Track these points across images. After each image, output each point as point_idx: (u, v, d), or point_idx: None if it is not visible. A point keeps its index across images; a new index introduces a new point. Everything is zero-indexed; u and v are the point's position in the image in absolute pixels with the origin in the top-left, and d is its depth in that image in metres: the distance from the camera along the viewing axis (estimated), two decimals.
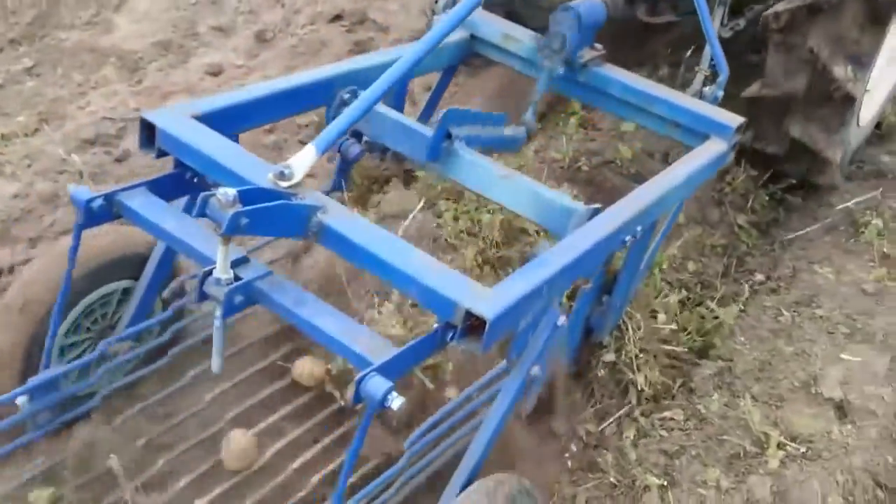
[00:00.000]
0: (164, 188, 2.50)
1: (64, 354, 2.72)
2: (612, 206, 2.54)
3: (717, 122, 2.96)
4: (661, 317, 3.43)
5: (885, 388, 3.22)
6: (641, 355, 3.29)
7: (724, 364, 3.42)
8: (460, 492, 2.25)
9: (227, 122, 2.56)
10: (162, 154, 2.47)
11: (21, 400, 2.50)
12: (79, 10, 5.21)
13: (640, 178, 3.78)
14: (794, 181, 4.26)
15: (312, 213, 2.18)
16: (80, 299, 2.69)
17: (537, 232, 3.54)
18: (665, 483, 2.94)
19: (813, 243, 4.01)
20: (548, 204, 2.59)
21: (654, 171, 3.86)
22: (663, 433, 3.17)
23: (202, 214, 1.99)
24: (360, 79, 2.83)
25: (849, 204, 3.99)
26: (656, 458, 3.06)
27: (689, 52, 4.09)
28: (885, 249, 3.73)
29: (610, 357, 3.28)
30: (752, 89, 3.90)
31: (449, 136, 2.73)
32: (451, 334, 2.08)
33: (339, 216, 2.23)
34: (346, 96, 2.83)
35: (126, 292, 2.81)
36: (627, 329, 3.27)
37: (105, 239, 2.69)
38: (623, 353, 3.29)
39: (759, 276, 3.88)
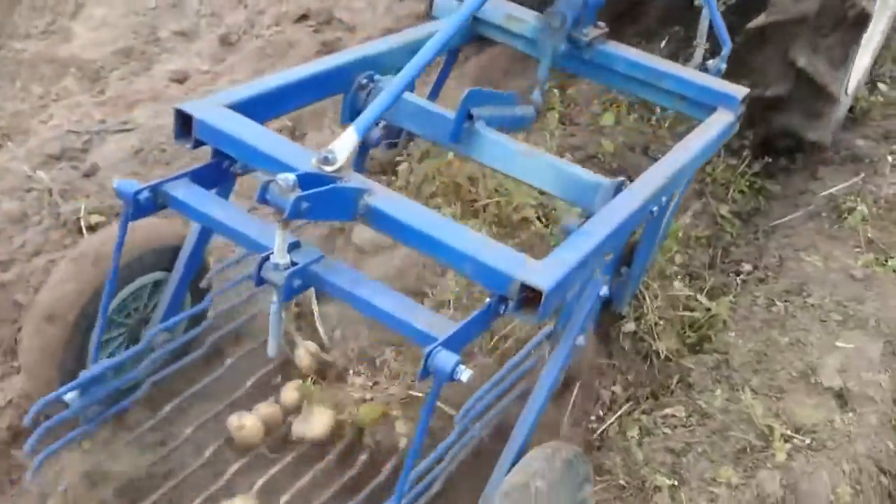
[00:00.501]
0: (204, 178, 2.52)
1: (101, 350, 2.70)
2: (637, 180, 2.60)
3: (724, 93, 3.01)
4: (677, 283, 3.57)
5: (881, 375, 3.25)
6: (661, 322, 3.42)
7: (720, 357, 3.42)
8: (515, 460, 2.34)
9: (258, 110, 2.57)
10: (198, 144, 2.48)
11: (70, 396, 2.49)
12: (34, 19, 5.03)
13: (622, 172, 3.79)
14: (774, 158, 4.31)
15: (360, 196, 2.22)
16: (116, 294, 2.68)
17: (538, 218, 3.50)
18: (675, 483, 2.92)
19: (796, 231, 4.02)
20: (572, 179, 2.65)
21: (637, 164, 3.91)
22: (667, 431, 3.15)
23: (262, 201, 2.02)
24: (377, 63, 2.91)
25: (832, 190, 4.00)
26: (663, 456, 3.04)
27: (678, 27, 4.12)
28: (869, 234, 3.75)
29: (630, 327, 3.37)
30: (759, 19, 3.89)
31: (470, 116, 2.76)
32: (503, 307, 2.14)
33: (386, 198, 2.27)
34: (364, 81, 2.87)
35: (157, 285, 2.82)
36: (645, 299, 3.35)
37: (136, 233, 2.61)
38: (643, 321, 3.40)
39: (747, 267, 3.88)
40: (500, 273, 2.09)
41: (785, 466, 2.90)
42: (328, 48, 4.99)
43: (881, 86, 4.81)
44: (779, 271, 3.79)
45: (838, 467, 2.93)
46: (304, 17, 5.20)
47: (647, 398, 3.37)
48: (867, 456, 3.01)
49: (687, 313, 3.52)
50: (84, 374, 2.53)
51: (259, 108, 2.59)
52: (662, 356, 3.37)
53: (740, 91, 3.01)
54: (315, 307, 3.12)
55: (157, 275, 2.81)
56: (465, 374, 1.96)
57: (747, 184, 4.28)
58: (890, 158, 4.11)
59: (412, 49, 2.75)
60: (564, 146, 4.05)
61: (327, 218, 2.36)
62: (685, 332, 3.51)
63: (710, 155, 3.00)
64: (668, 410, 3.26)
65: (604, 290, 2.59)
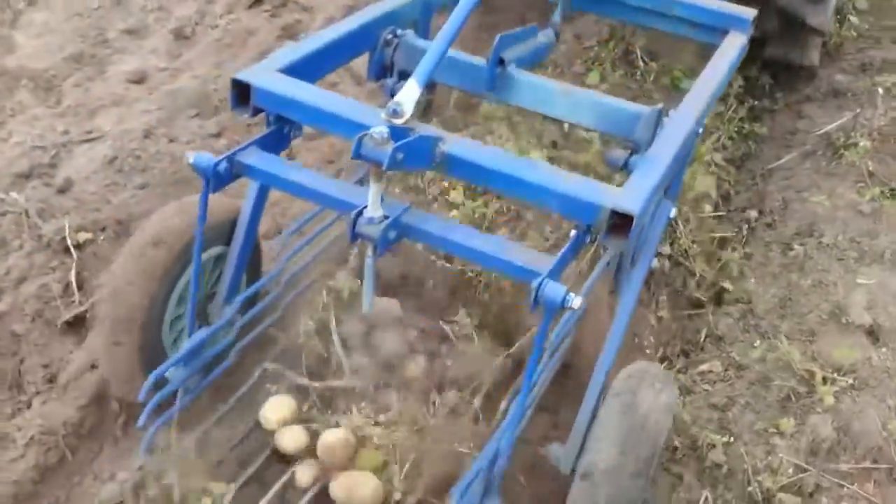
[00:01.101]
0: (269, 145, 2.55)
1: (173, 327, 2.80)
2: (680, 107, 2.65)
3: (735, 15, 3.10)
4: (707, 207, 3.71)
5: None
6: (694, 245, 3.58)
7: (744, 307, 3.40)
8: (604, 380, 2.50)
9: (304, 73, 2.57)
10: (257, 112, 2.50)
11: (171, 372, 2.56)
12: None
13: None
14: (758, 98, 4.30)
15: (435, 145, 2.25)
16: (185, 270, 2.73)
17: None
18: (728, 438, 2.89)
19: (794, 172, 4.01)
20: (612, 111, 2.69)
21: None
22: (706, 387, 3.13)
23: (357, 156, 2.08)
24: (398, 18, 2.97)
25: (828, 128, 3.99)
26: (708, 413, 3.01)
27: None
28: (870, 168, 3.75)
29: (666, 250, 3.47)
30: None
31: (502, 62, 2.77)
32: (588, 237, 2.26)
33: (459, 144, 2.31)
34: (389, 37, 2.91)
35: (216, 260, 2.88)
36: (678, 223, 3.42)
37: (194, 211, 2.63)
38: (676, 245, 3.54)
39: (753, 213, 3.86)
40: (589, 203, 2.15)
41: (834, 409, 2.89)
42: (288, 33, 4.80)
43: (852, 18, 4.82)
44: (785, 214, 3.78)
45: (884, 403, 2.93)
46: (258, 2, 4.99)
47: (679, 356, 3.34)
48: None
49: (717, 234, 3.71)
50: (184, 347, 2.61)
51: (306, 70, 2.59)
52: (697, 277, 3.52)
53: (750, 12, 3.10)
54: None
55: (217, 249, 2.85)
56: (576, 300, 2.02)
57: (735, 129, 4.26)
58: (880, 90, 4.11)
59: (427, 2, 3.07)
60: None
61: (412, 167, 2.32)
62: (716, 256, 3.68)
63: (730, 77, 3.07)
64: (703, 367, 3.23)
65: (673, 212, 2.71)
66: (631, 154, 2.54)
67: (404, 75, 2.85)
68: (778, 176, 4.01)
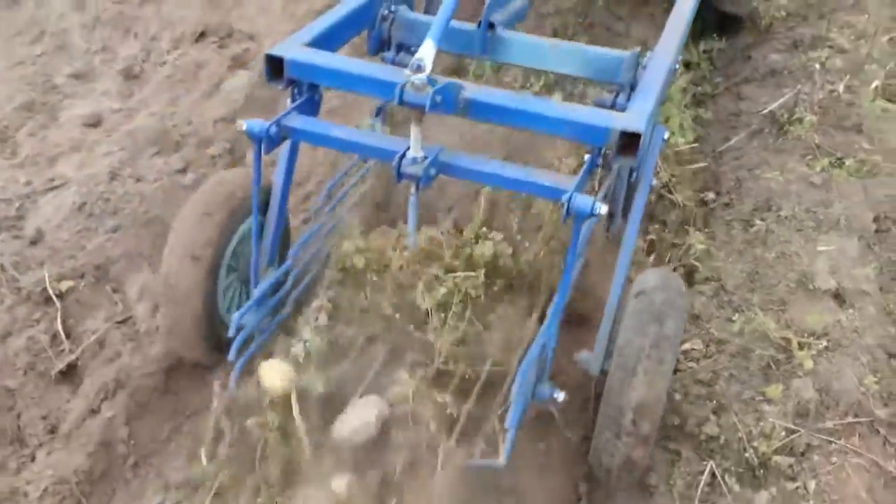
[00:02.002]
0: (303, 112, 2.82)
1: (224, 295, 3.10)
2: (656, 48, 2.95)
3: None
4: (679, 139, 4.11)
5: (866, 268, 3.45)
6: (674, 178, 3.98)
7: (716, 285, 3.55)
8: (621, 287, 2.84)
9: (322, 47, 2.83)
10: (290, 83, 2.75)
11: (245, 318, 2.87)
12: None
13: None
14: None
15: (459, 92, 2.52)
16: (232, 236, 3.05)
17: None
18: (716, 410, 3.03)
19: (744, 151, 4.19)
20: (596, 58, 3.05)
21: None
22: (692, 365, 3.26)
23: (401, 102, 2.39)
24: None
25: (772, 107, 4.18)
26: (697, 389, 3.14)
27: None
28: (816, 141, 3.95)
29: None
30: None
31: (492, 25, 3.08)
32: (600, 159, 2.63)
33: (478, 90, 2.60)
34: (386, 13, 3.24)
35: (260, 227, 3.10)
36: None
37: (235, 183, 3.08)
38: (658, 178, 3.89)
39: (710, 195, 4.02)
40: (599, 128, 2.46)
41: (813, 371, 3.05)
42: (238, 62, 4.85)
43: None
44: (741, 193, 3.94)
45: (858, 361, 3.10)
46: (203, 36, 5.02)
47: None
48: (877, 345, 3.20)
49: (694, 165, 4.11)
50: (256, 293, 2.92)
51: (323, 45, 2.85)
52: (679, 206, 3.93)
53: None
54: None
55: (260, 217, 3.06)
56: (602, 208, 2.33)
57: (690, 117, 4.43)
58: (817, 66, 4.32)
59: None
60: None
61: (444, 111, 2.52)
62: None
63: (691, 20, 3.32)
64: (685, 346, 3.37)
65: (667, 135, 3.02)
66: (616, 95, 2.95)
67: (401, 48, 3.28)
68: (729, 157, 4.18)
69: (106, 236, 3.73)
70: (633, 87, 2.87)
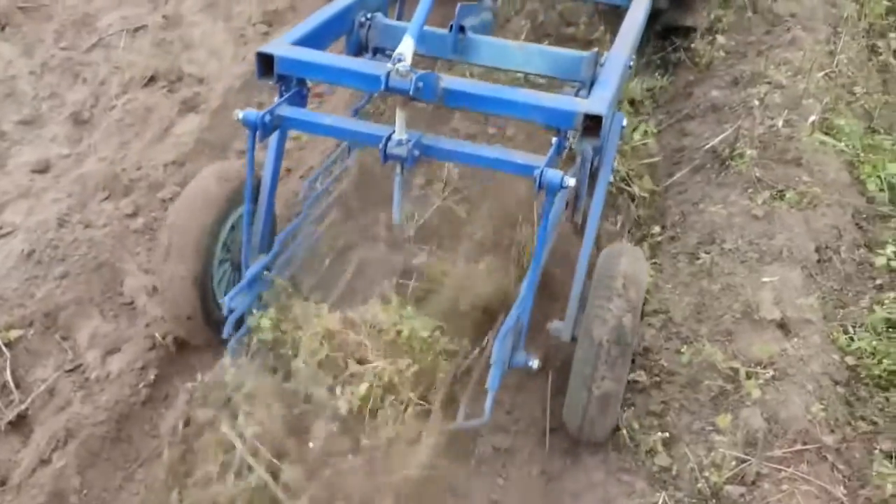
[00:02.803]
0: (293, 104, 3.07)
1: (219, 280, 3.30)
2: (613, 48, 3.27)
3: None
4: (637, 136, 4.46)
5: (809, 298, 3.54)
6: (632, 171, 4.30)
7: (664, 317, 3.61)
8: (587, 260, 3.09)
9: (310, 46, 3.12)
10: (281, 79, 3.01)
11: (236, 300, 3.02)
12: None
13: None
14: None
15: (438, 81, 2.79)
16: (226, 220, 3.25)
17: None
18: (667, 439, 3.08)
19: (686, 186, 4.28)
20: (559, 58, 3.38)
21: None
22: (639, 397, 3.31)
23: (388, 89, 2.66)
24: (367, 5, 3.59)
25: (713, 143, 4.29)
26: (649, 421, 3.20)
27: None
28: (757, 174, 4.05)
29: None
30: None
31: (462, 29, 3.41)
32: (567, 140, 2.93)
33: (455, 80, 2.92)
34: (363, 20, 3.55)
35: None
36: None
37: (228, 174, 3.32)
38: (618, 173, 4.21)
39: (656, 229, 4.10)
40: (566, 111, 2.76)
41: (761, 401, 3.11)
42: (188, 106, 4.85)
43: (719, 38, 5.19)
44: (685, 226, 4.03)
45: (804, 389, 3.17)
46: (152, 80, 5.01)
47: None
48: (822, 373, 3.28)
49: (650, 160, 4.42)
50: (246, 277, 3.07)
51: (307, 46, 3.11)
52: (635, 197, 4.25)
53: None
54: None
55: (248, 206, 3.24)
56: (570, 181, 2.60)
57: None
58: (756, 102, 4.45)
59: None
60: None
61: (424, 98, 2.77)
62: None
63: (643, 26, 3.67)
64: (630, 376, 3.43)
65: (625, 122, 3.32)
66: (577, 91, 3.28)
67: (377, 51, 3.59)
68: (673, 191, 4.28)
69: (55, 283, 3.70)
70: (592, 84, 3.11)
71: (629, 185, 4.28)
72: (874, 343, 3.48)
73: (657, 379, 3.36)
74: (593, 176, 3.32)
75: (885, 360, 3.41)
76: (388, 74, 2.65)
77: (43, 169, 4.44)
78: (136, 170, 4.34)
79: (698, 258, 3.78)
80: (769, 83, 4.67)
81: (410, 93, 2.65)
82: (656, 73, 5.06)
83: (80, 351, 3.52)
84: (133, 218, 4.09)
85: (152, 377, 3.40)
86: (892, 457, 3.11)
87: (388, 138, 2.76)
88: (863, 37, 5.54)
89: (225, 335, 3.03)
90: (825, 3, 5.54)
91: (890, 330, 3.56)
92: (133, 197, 4.18)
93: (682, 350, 3.37)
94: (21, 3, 5.73)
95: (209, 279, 3.24)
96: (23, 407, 3.26)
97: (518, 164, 2.76)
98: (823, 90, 4.70)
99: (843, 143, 4.42)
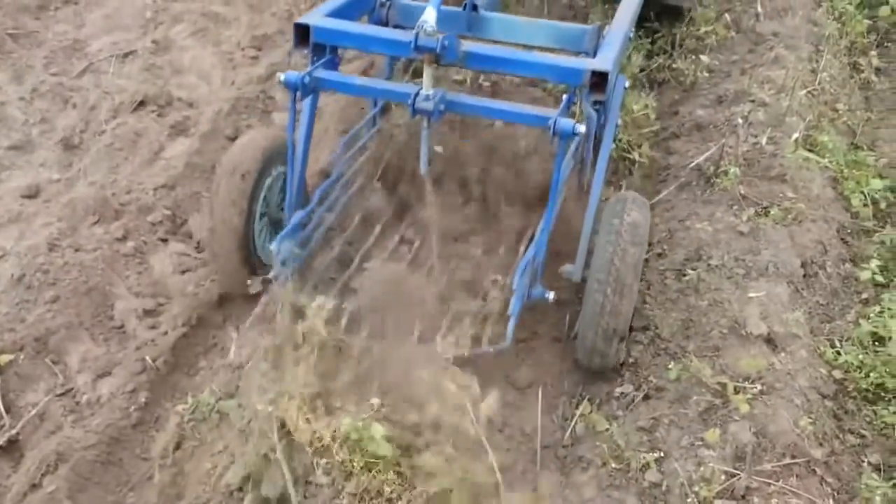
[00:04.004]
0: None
1: (258, 234, 3.70)
2: (613, 21, 3.59)
3: None
4: (636, 106, 4.78)
5: (796, 312, 3.57)
6: (632, 140, 4.71)
7: (652, 333, 3.64)
8: (595, 208, 3.55)
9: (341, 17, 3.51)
10: (317, 48, 3.38)
11: (273, 245, 3.41)
12: None
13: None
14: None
15: (459, 45, 3.15)
16: (261, 186, 3.63)
17: None
18: (659, 455, 3.10)
19: (673, 203, 4.32)
20: (565, 31, 3.75)
21: None
22: (624, 412, 3.34)
23: (416, 48, 3.02)
24: None
25: (698, 160, 4.33)
26: (638, 437, 3.21)
27: None
28: (742, 192, 4.10)
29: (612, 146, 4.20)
30: None
31: (475, 7, 3.82)
32: (576, 96, 3.39)
33: (475, 45, 3.26)
34: (384, 0, 3.93)
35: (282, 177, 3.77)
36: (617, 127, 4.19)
37: (265, 138, 3.70)
38: (620, 142, 4.63)
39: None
40: (575, 69, 3.12)
41: (750, 415, 3.13)
42: (178, 130, 4.88)
43: (703, 57, 5.25)
44: (672, 243, 4.06)
45: (792, 403, 3.20)
46: (142, 105, 5.04)
47: (595, 381, 3.57)
48: (810, 387, 3.31)
49: (649, 129, 4.85)
50: (289, 225, 3.47)
51: (341, 16, 3.50)
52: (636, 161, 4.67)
53: None
54: None
55: (282, 168, 3.72)
56: (581, 127, 2.96)
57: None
58: (740, 120, 4.50)
59: None
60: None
61: (448, 59, 3.12)
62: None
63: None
64: (618, 390, 3.46)
65: (626, 83, 3.77)
66: None
67: (397, 28, 3.87)
68: (660, 209, 4.31)
69: (45, 307, 3.71)
70: (595, 55, 3.37)
71: (630, 153, 4.66)
72: (861, 357, 3.51)
73: (646, 394, 3.39)
74: (596, 147, 3.75)
75: (871, 374, 3.45)
76: (416, 35, 3.00)
77: (33, 194, 4.46)
78: (125, 194, 4.36)
79: (685, 274, 3.80)
80: (753, 101, 4.72)
81: (437, 50, 2.99)
82: (641, 93, 5.11)
83: (71, 374, 3.53)
84: (123, 242, 4.10)
85: (143, 400, 3.42)
86: (880, 469, 3.15)
87: (416, 94, 3.10)
88: (844, 55, 5.62)
89: (274, 274, 3.42)
90: (807, 21, 5.61)
91: (876, 343, 3.59)
92: (123, 221, 4.19)
93: (671, 366, 3.39)
94: (11, 30, 5.77)
95: (252, 227, 3.63)
96: (13, 431, 3.27)
97: (534, 116, 3.14)
98: (806, 108, 4.76)
99: (826, 160, 4.48)
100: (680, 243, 4.04)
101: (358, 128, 4.26)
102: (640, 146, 4.73)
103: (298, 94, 3.29)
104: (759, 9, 5.64)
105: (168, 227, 4.23)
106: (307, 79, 3.28)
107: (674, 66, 5.34)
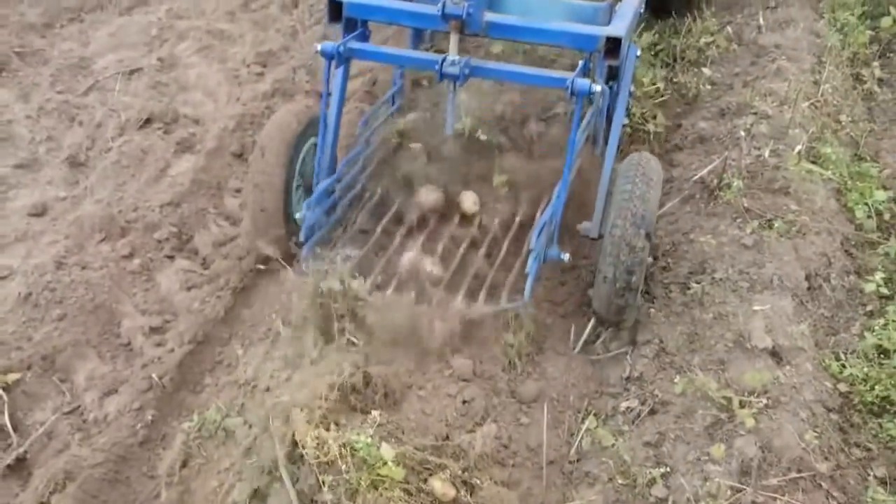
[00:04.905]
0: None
1: (296, 200, 4.02)
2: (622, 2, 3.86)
3: None
4: (646, 80, 5.08)
5: (801, 325, 3.57)
6: (647, 111, 4.97)
7: (657, 346, 3.64)
8: (611, 167, 3.82)
9: None
10: (348, 23, 3.71)
11: (300, 215, 3.79)
12: None
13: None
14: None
15: (483, 14, 3.47)
16: (304, 144, 4.01)
17: None
18: (665, 470, 3.10)
19: (676, 216, 4.32)
20: (578, 9, 3.98)
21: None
22: (630, 427, 3.34)
23: (444, 15, 3.36)
24: None
25: (702, 173, 4.34)
26: (644, 452, 3.22)
27: None
28: (745, 204, 4.10)
29: (626, 120, 4.58)
30: None
31: None
32: (591, 63, 3.73)
33: (497, 16, 3.57)
34: None
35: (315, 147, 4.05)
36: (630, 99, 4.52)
37: (299, 112, 4.05)
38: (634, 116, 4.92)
39: (649, 259, 4.13)
40: (591, 35, 3.41)
41: (755, 429, 3.13)
42: (183, 147, 4.92)
43: (705, 70, 5.27)
44: (677, 256, 4.06)
45: (797, 417, 3.20)
46: (148, 122, 5.08)
47: (601, 395, 3.58)
48: (815, 401, 3.31)
49: (661, 99, 5.13)
50: (316, 192, 3.77)
51: None
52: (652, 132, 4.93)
53: None
54: None
55: (314, 140, 4.02)
56: (597, 87, 3.28)
57: None
58: (742, 133, 4.51)
59: None
60: None
61: (472, 27, 3.44)
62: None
63: None
64: (624, 404, 3.47)
65: (639, 52, 4.05)
66: None
67: None
68: (664, 222, 4.32)
69: (52, 326, 3.73)
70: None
71: (645, 124, 4.93)
72: (866, 369, 3.51)
73: (652, 409, 3.39)
74: (609, 120, 4.04)
75: (877, 387, 3.44)
76: (444, 4, 3.31)
77: (40, 212, 4.49)
78: (132, 211, 4.39)
79: (689, 288, 3.81)
80: (755, 114, 4.73)
81: (463, 17, 3.31)
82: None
83: (78, 393, 3.55)
84: (129, 259, 4.13)
85: (149, 418, 3.43)
86: (886, 483, 3.14)
87: (443, 61, 3.43)
88: (847, 66, 5.61)
89: (301, 238, 3.73)
90: (809, 33, 5.62)
91: (881, 356, 3.59)
92: (129, 238, 4.22)
93: (676, 380, 3.39)
94: (17, 48, 5.83)
95: (291, 194, 3.94)
96: (21, 450, 3.28)
97: (553, 78, 3.50)
98: (809, 119, 4.77)
99: (829, 172, 4.48)
100: (684, 256, 4.05)
101: (377, 105, 4.63)
102: (654, 117, 4.98)
103: (333, 63, 3.61)
104: (761, 21, 5.66)
105: (174, 243, 4.26)
106: (342, 48, 3.60)
107: (675, 79, 5.35)
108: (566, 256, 3.71)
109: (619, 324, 3.76)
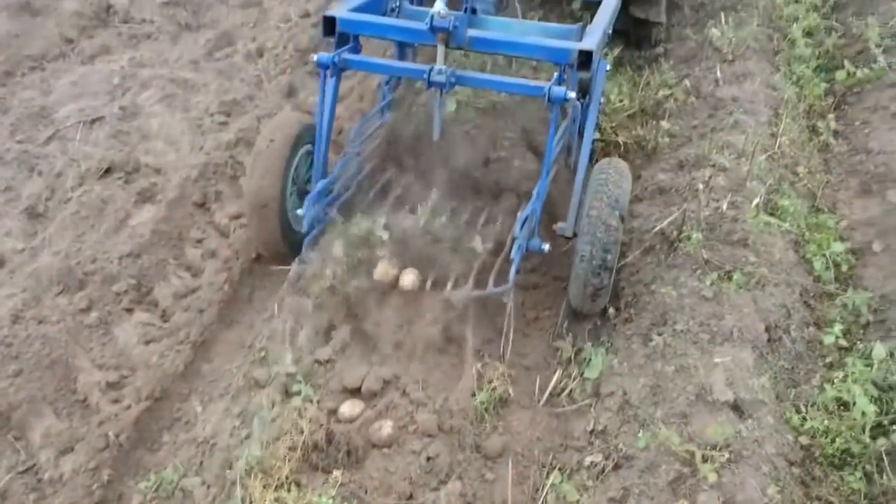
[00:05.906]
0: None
1: (290, 203, 4.31)
2: (594, 20, 4.20)
3: None
4: (613, 96, 5.57)
5: (761, 378, 3.60)
6: (614, 124, 5.45)
7: (621, 399, 3.65)
8: (584, 172, 4.15)
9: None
10: (341, 37, 4.03)
11: (300, 211, 4.10)
12: None
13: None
14: None
15: (466, 30, 3.80)
16: (292, 161, 4.26)
17: None
18: None
19: (638, 267, 4.36)
20: (553, 29, 4.46)
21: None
22: (596, 482, 3.33)
23: (432, 28, 3.71)
24: None
25: (661, 225, 4.38)
26: None
27: None
28: (705, 256, 4.15)
29: (596, 134, 4.91)
30: None
31: (474, 10, 4.53)
32: (564, 74, 3.91)
33: (478, 31, 3.91)
34: (394, 5, 4.66)
35: (308, 154, 4.42)
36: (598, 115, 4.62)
37: (292, 120, 4.35)
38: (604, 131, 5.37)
39: (611, 310, 4.16)
40: (564, 49, 3.77)
41: (718, 484, 3.13)
42: (144, 197, 4.87)
43: (663, 123, 5.35)
44: (638, 307, 4.09)
45: (759, 471, 3.21)
46: (108, 172, 5.03)
47: (565, 449, 3.57)
48: (777, 454, 3.33)
49: (629, 112, 5.60)
50: (313, 191, 4.11)
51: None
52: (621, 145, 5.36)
53: None
54: None
55: (309, 146, 4.36)
56: (571, 94, 3.64)
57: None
58: (700, 185, 4.57)
59: None
60: None
61: (457, 41, 3.78)
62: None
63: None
64: (589, 459, 3.46)
65: (608, 67, 4.29)
66: None
67: None
68: (626, 273, 4.35)
69: (7, 381, 3.65)
70: None
71: (616, 135, 5.38)
72: (826, 422, 3.54)
73: (616, 463, 3.39)
74: (581, 132, 4.34)
75: (837, 440, 3.47)
76: (432, 17, 3.66)
77: None
78: (90, 263, 4.33)
79: (651, 339, 3.83)
80: (713, 166, 4.80)
81: (449, 29, 3.65)
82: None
83: (34, 451, 3.47)
84: (87, 312, 4.06)
85: (105, 478, 3.36)
86: None
87: (431, 70, 3.76)
88: (803, 118, 5.74)
89: (304, 229, 4.08)
90: (766, 86, 5.74)
91: (841, 408, 3.62)
92: (87, 291, 4.16)
93: (640, 434, 3.39)
94: None
95: (285, 210, 4.23)
96: None
97: (531, 87, 3.82)
98: (767, 172, 4.85)
99: (787, 224, 4.55)
100: (646, 308, 4.08)
101: (368, 117, 4.89)
102: (624, 128, 5.44)
103: (328, 73, 3.94)
104: (719, 74, 5.77)
105: (133, 296, 4.20)
106: (336, 59, 3.93)
107: (634, 131, 5.43)
108: (546, 246, 4.05)
109: (591, 315, 4.16)
